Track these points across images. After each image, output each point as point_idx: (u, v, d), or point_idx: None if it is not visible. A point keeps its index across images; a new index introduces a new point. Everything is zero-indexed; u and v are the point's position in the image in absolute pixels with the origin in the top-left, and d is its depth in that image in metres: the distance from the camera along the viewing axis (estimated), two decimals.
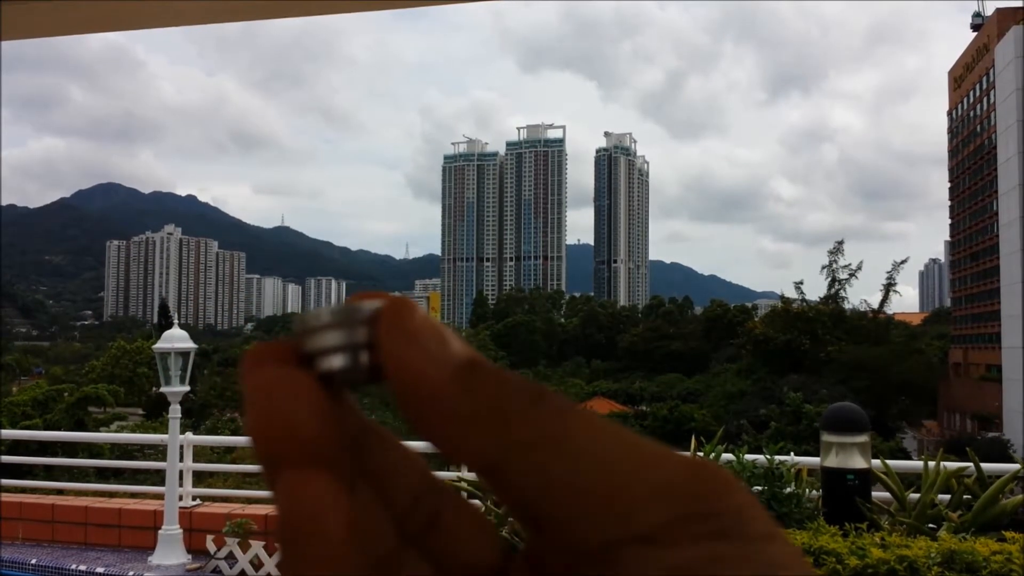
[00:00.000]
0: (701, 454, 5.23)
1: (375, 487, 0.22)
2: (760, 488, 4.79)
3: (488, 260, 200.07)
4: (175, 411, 6.96)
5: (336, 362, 0.22)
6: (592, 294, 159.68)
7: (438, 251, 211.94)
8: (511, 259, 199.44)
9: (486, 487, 0.22)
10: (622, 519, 0.21)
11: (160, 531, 6.83)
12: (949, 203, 79.15)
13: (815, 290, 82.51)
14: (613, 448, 0.21)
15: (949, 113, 79.26)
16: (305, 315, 0.22)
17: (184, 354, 7.07)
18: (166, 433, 7.11)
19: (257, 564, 6.47)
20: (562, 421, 0.22)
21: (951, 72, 79.69)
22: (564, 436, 0.21)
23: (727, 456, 5.23)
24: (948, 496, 4.89)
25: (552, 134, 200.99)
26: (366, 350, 0.22)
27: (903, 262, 59.84)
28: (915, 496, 4.92)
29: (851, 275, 57.90)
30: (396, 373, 0.22)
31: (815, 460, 5.23)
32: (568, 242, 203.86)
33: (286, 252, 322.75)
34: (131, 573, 6.51)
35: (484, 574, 0.23)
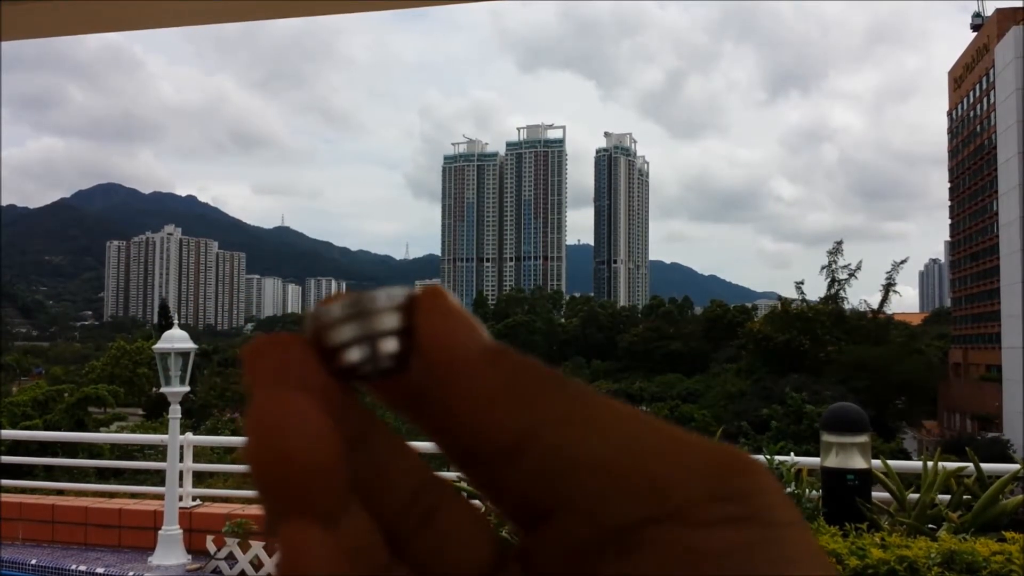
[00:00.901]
0: None
1: (375, 483, 0.22)
2: None
3: (488, 260, 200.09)
4: (175, 411, 6.96)
5: (355, 355, 0.22)
6: (592, 294, 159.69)
7: (438, 251, 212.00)
8: (511, 259, 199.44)
9: (489, 480, 0.22)
10: (650, 495, 0.21)
11: (160, 531, 6.83)
12: (949, 203, 79.16)
13: (815, 290, 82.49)
14: (639, 427, 0.22)
15: (949, 113, 79.23)
16: (317, 310, 0.22)
17: (184, 354, 7.07)
18: (166, 433, 7.12)
19: (257, 564, 6.47)
20: (587, 401, 0.22)
21: (951, 72, 79.65)
22: (590, 414, 0.22)
23: None
24: (948, 496, 4.89)
25: (552, 134, 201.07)
26: (387, 338, 0.22)
27: (902, 262, 59.93)
28: (915, 496, 4.92)
29: (851, 275, 57.99)
30: (431, 349, 0.22)
31: (815, 460, 5.23)
32: (568, 242, 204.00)
33: (286, 252, 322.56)
34: (131, 573, 6.51)
35: (476, 573, 0.23)
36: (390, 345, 0.22)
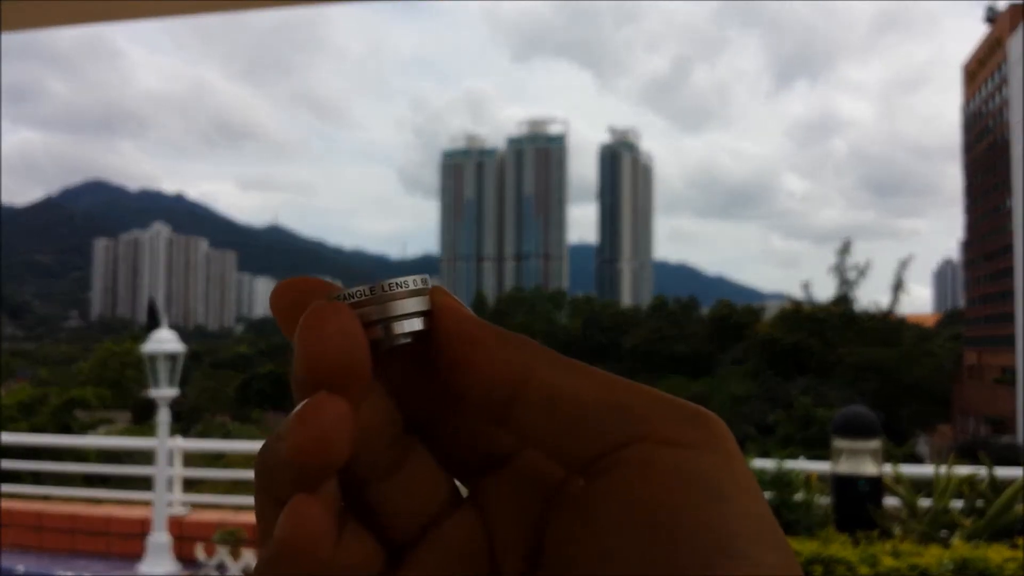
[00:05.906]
0: None
1: (360, 435, 0.25)
2: (769, 494, 4.68)
3: (488, 259, 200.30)
4: (164, 415, 6.84)
5: (378, 332, 0.25)
6: (595, 294, 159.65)
7: (436, 250, 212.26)
8: (511, 258, 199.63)
9: (463, 430, 0.27)
10: (629, 422, 0.24)
11: (149, 539, 6.72)
12: (964, 201, 77.79)
13: (825, 290, 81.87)
14: (611, 375, 0.26)
15: (963, 108, 78.32)
16: (340, 293, 0.26)
17: (173, 356, 6.95)
18: (154, 437, 7.00)
19: (249, 573, 6.33)
20: (560, 356, 0.26)
21: (965, 67, 78.29)
22: (569, 362, 0.26)
23: None
24: (961, 502, 4.79)
25: (553, 129, 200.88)
26: (403, 320, 0.26)
27: (909, 261, 58.98)
28: (927, 502, 4.83)
29: (860, 275, 57.18)
30: (444, 315, 0.26)
31: (825, 466, 5.13)
32: (570, 241, 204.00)
33: (278, 251, 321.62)
34: None
35: (435, 513, 0.27)
36: (408, 325, 0.26)
